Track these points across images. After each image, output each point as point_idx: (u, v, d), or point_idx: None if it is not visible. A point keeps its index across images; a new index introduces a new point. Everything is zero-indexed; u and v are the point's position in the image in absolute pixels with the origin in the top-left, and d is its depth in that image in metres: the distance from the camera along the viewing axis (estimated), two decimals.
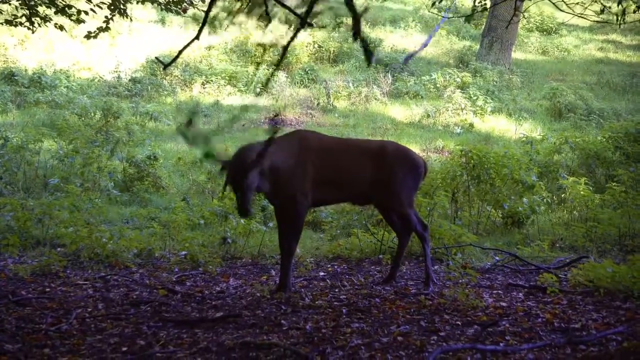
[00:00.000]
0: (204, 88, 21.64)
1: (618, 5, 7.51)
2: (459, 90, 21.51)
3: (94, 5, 9.59)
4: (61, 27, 10.01)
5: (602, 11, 7.67)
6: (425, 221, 8.18)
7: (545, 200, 11.70)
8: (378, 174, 7.49)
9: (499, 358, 5.43)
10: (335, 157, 7.43)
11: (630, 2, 8.25)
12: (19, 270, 7.94)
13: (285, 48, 6.45)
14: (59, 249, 9.16)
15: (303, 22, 5.18)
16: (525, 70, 25.37)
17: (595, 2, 7.64)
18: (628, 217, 10.21)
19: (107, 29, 9.70)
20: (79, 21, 9.66)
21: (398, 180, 7.54)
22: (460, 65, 24.74)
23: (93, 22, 10.08)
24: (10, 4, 9.69)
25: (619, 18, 7.86)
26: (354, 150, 7.64)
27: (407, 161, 7.65)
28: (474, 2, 9.39)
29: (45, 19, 9.69)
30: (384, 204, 7.80)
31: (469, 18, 8.26)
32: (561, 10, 8.66)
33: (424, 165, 7.83)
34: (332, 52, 25.16)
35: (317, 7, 5.92)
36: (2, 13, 10.02)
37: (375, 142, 8.15)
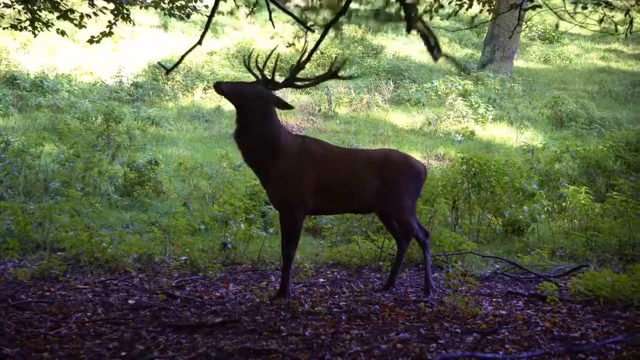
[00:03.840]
0: (205, 93, 21.64)
1: (626, 16, 7.51)
2: (461, 98, 21.50)
3: (97, 10, 9.59)
4: (63, 33, 10.00)
5: (601, 21, 7.66)
6: (426, 228, 8.18)
7: (545, 208, 11.71)
8: (381, 183, 7.47)
9: None
10: (339, 167, 7.42)
11: (634, 12, 8.26)
12: (19, 274, 7.94)
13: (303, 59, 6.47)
14: (59, 253, 9.15)
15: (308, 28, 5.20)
16: (527, 79, 25.40)
17: (596, 11, 7.63)
18: (628, 226, 10.22)
19: (110, 33, 9.70)
20: (81, 26, 9.67)
21: (402, 188, 7.53)
22: (462, 73, 24.74)
23: (96, 26, 10.09)
24: (13, 9, 9.69)
25: (626, 29, 7.87)
26: (358, 160, 7.62)
27: (410, 169, 7.63)
28: (477, 14, 9.39)
29: (48, 24, 9.69)
30: (387, 212, 7.77)
31: (471, 25, 8.24)
32: (563, 20, 8.66)
33: (425, 172, 7.84)
34: (334, 58, 25.11)
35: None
36: (4, 17, 10.01)
37: (378, 151, 8.06)
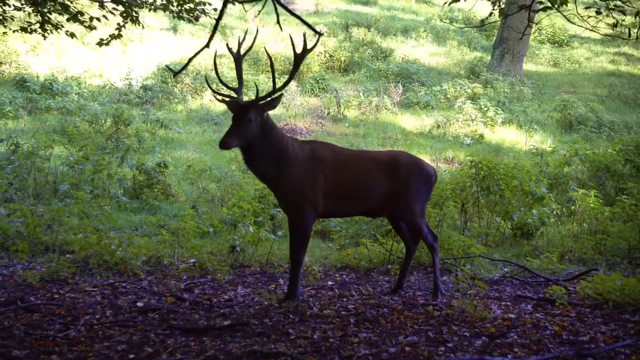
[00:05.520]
0: (214, 96, 21.63)
1: (636, 17, 7.48)
2: (470, 101, 21.49)
3: (106, 12, 9.61)
4: (72, 35, 10.01)
5: (615, 25, 7.64)
6: (435, 232, 8.16)
7: (554, 212, 11.69)
8: (392, 185, 7.46)
9: None
10: (349, 169, 7.39)
11: None
12: (28, 276, 7.96)
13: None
14: (68, 255, 9.18)
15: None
16: (536, 82, 25.34)
17: (608, 15, 7.60)
18: (638, 230, 10.17)
19: (119, 36, 9.70)
20: (91, 28, 9.68)
21: (412, 191, 7.52)
22: (471, 76, 24.74)
23: (105, 29, 10.10)
24: (23, 11, 9.71)
25: (637, 31, 7.84)
26: (367, 162, 7.59)
27: (420, 172, 7.61)
28: (491, 12, 9.35)
29: (58, 26, 9.71)
30: (396, 215, 7.75)
31: (482, 22, 8.20)
32: (573, 23, 8.65)
33: (435, 175, 7.82)
34: (343, 61, 25.23)
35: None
36: (14, 19, 10.03)
37: (387, 153, 8.01)
